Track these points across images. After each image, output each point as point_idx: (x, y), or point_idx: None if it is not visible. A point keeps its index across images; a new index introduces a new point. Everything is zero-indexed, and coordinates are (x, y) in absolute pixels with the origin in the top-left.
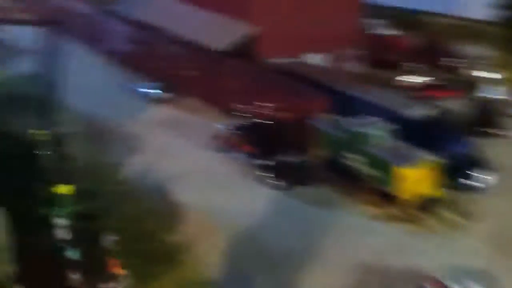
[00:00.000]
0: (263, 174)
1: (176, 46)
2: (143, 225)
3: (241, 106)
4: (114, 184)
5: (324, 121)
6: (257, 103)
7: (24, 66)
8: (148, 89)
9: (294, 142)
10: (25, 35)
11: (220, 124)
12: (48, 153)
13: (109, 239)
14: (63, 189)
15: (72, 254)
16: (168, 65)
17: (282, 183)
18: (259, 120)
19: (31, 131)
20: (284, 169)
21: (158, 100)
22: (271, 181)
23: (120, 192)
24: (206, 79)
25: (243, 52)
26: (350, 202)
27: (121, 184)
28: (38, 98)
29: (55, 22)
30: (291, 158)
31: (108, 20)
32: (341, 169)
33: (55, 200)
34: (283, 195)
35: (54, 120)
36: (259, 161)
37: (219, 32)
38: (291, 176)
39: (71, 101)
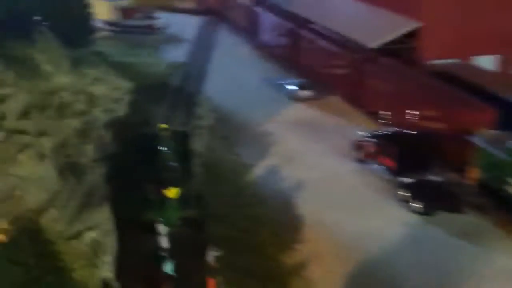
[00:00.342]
0: (402, 193)
1: (326, 40)
2: (255, 237)
3: (388, 111)
4: (234, 187)
5: (485, 137)
6: (407, 109)
7: (176, 54)
8: (292, 85)
9: (443, 159)
10: (183, 24)
11: (361, 131)
12: (169, 150)
13: (212, 254)
14: (173, 192)
15: (168, 268)
16: (315, 61)
17: (422, 206)
18: (405, 130)
19: (158, 125)
20: (426, 189)
21: (300, 98)
22: (410, 202)
23: (239, 196)
24: (354, 78)
25: (400, 51)
26: (506, 238)
27: (242, 188)
28: (181, 89)
29: (214, 12)
30: (435, 178)
31: (262, 12)
32: (500, 196)
33: (164, 204)
34: (423, 220)
35: (192, 113)
36: (398, 178)
37: (374, 27)
38: (433, 199)
39: (212, 93)
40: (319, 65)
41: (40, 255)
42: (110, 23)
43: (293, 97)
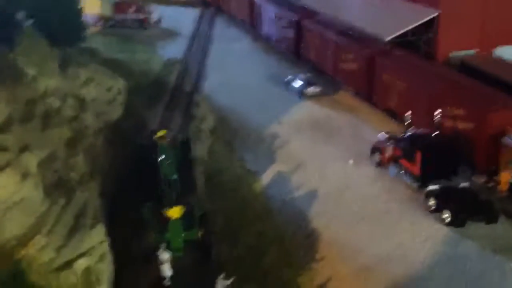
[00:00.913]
0: (428, 202)
1: (335, 33)
2: (265, 257)
3: (405, 109)
4: (239, 199)
5: None
6: (427, 107)
7: (172, 50)
8: (301, 82)
9: (472, 163)
10: (179, 17)
11: (377, 131)
12: (169, 161)
13: (221, 284)
14: (175, 211)
15: None
16: (323, 55)
17: (451, 217)
18: (427, 131)
19: (156, 133)
20: (454, 198)
21: (308, 95)
22: (438, 213)
23: (245, 210)
24: (367, 73)
25: (417, 43)
26: None
27: (248, 200)
28: (179, 88)
29: (212, 4)
30: (464, 184)
31: (263, 3)
32: None
33: (165, 226)
34: (452, 233)
35: (191, 114)
36: (423, 184)
37: (388, 17)
38: (463, 208)
39: (212, 92)
40: (327, 59)
41: None
42: (102, 18)
43: (300, 94)
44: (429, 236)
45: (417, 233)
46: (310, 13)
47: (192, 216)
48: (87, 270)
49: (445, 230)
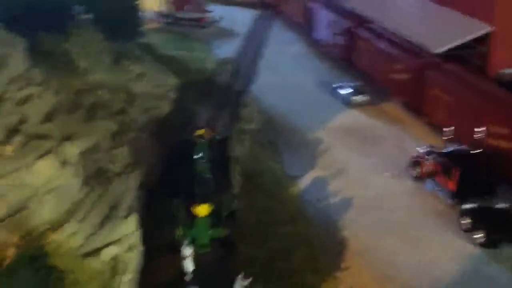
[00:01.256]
0: (463, 221)
1: (386, 42)
2: (291, 259)
3: (451, 124)
4: (274, 201)
5: None
6: (472, 124)
7: (227, 50)
8: (347, 89)
9: None
10: (236, 18)
11: (420, 145)
12: (205, 160)
13: (241, 284)
14: (204, 209)
15: None
16: (373, 64)
17: (485, 237)
18: (469, 148)
19: (195, 132)
20: (490, 218)
21: (355, 103)
22: (472, 232)
23: (277, 212)
24: (415, 85)
25: (468, 57)
26: None
27: (282, 202)
28: (229, 87)
29: (269, 6)
30: (502, 204)
31: (318, 8)
32: None
33: (193, 223)
34: (485, 254)
35: (238, 114)
36: (459, 202)
37: (440, 29)
38: (498, 229)
39: (261, 93)
40: (377, 68)
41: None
42: (160, 15)
43: (347, 102)
44: (458, 254)
45: (447, 250)
46: (363, 21)
47: (220, 213)
48: (115, 259)
49: (476, 249)
